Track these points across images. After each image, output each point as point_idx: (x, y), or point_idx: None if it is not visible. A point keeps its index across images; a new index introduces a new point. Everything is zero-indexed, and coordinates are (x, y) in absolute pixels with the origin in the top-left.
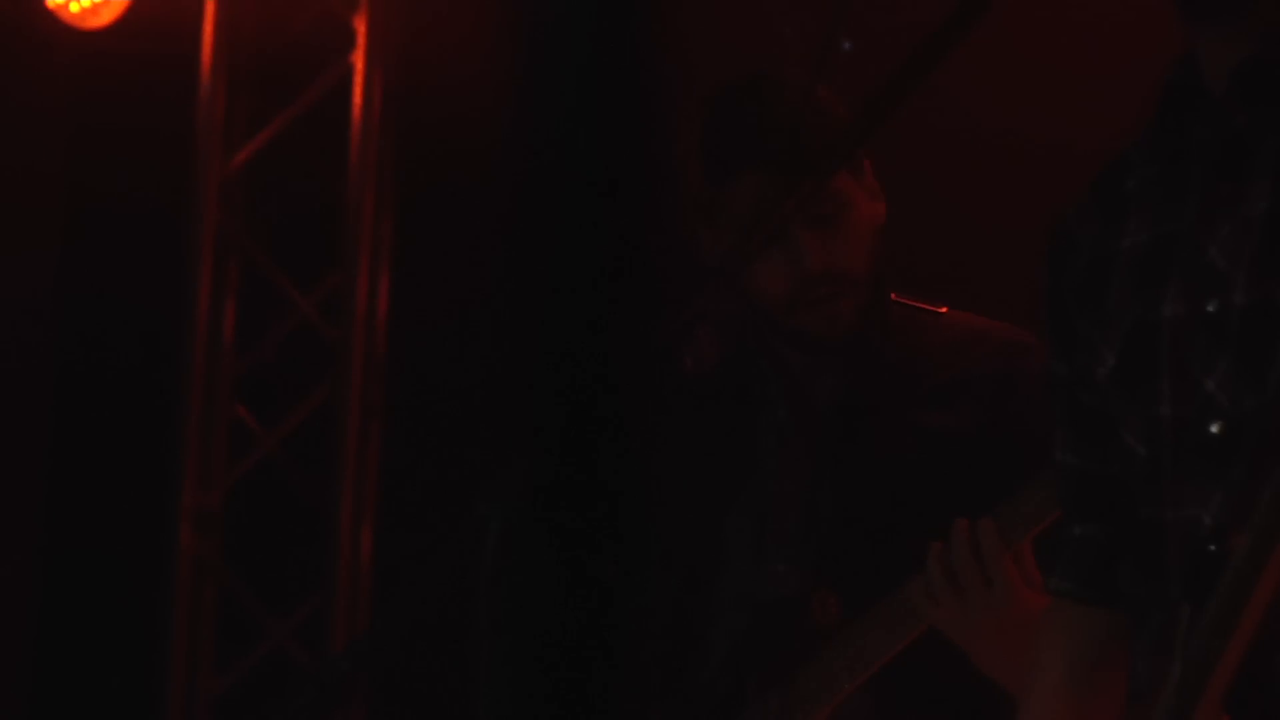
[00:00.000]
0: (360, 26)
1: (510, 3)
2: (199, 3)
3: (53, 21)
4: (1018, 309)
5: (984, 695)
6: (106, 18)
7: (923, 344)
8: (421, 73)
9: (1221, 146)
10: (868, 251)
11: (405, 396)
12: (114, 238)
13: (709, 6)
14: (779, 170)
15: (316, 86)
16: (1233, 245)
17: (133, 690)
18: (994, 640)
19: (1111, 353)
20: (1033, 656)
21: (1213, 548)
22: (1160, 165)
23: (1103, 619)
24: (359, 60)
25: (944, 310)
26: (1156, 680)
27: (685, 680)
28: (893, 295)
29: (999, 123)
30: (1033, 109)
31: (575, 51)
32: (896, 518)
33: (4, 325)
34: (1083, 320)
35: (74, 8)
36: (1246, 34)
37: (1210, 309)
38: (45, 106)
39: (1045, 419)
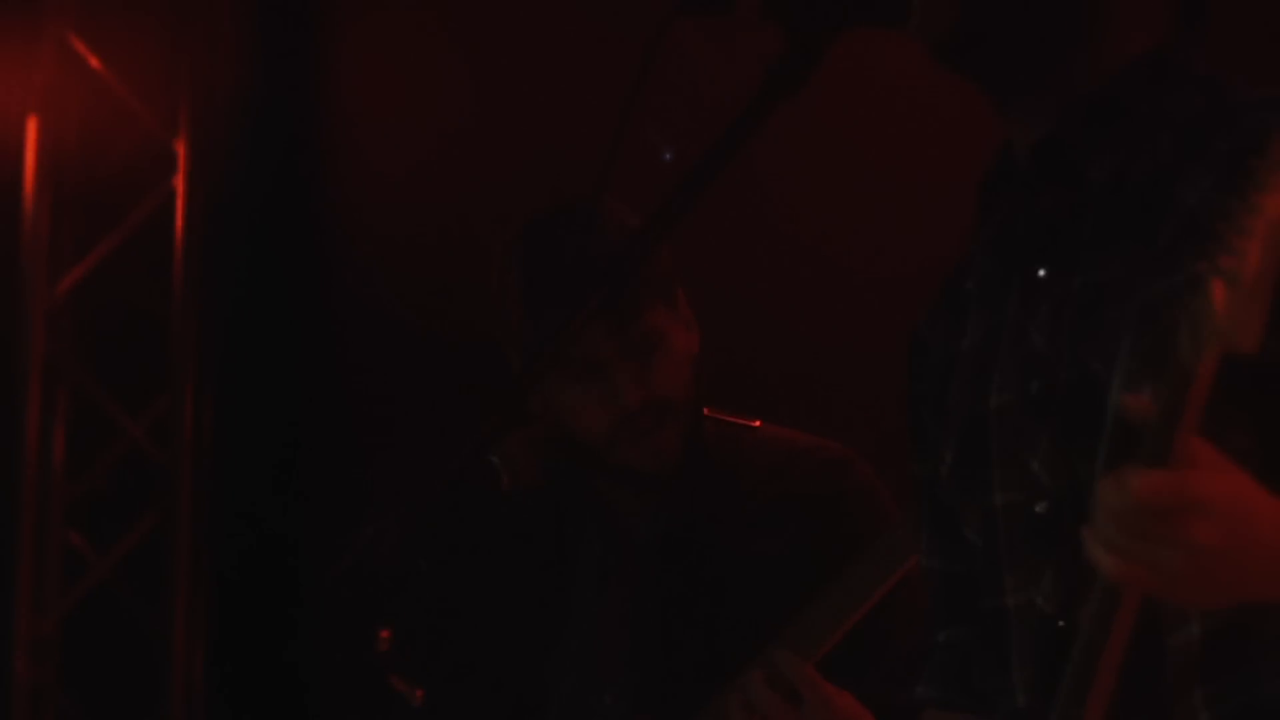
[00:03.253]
0: (181, 149)
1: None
2: (20, 128)
3: None
4: (838, 419)
5: None
6: None
7: (741, 466)
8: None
9: (1032, 229)
10: (685, 379)
11: (234, 517)
12: None
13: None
14: (597, 305)
15: (139, 210)
16: (1051, 324)
17: None
18: None
19: (950, 450)
20: None
21: (1060, 624)
22: (993, 254)
23: None
24: (180, 183)
25: (758, 425)
26: None
27: None
28: (706, 411)
29: (823, 232)
30: (857, 218)
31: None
32: (722, 645)
33: None
34: (932, 423)
35: None
36: (1045, 114)
37: (1033, 390)
38: None
39: (865, 534)
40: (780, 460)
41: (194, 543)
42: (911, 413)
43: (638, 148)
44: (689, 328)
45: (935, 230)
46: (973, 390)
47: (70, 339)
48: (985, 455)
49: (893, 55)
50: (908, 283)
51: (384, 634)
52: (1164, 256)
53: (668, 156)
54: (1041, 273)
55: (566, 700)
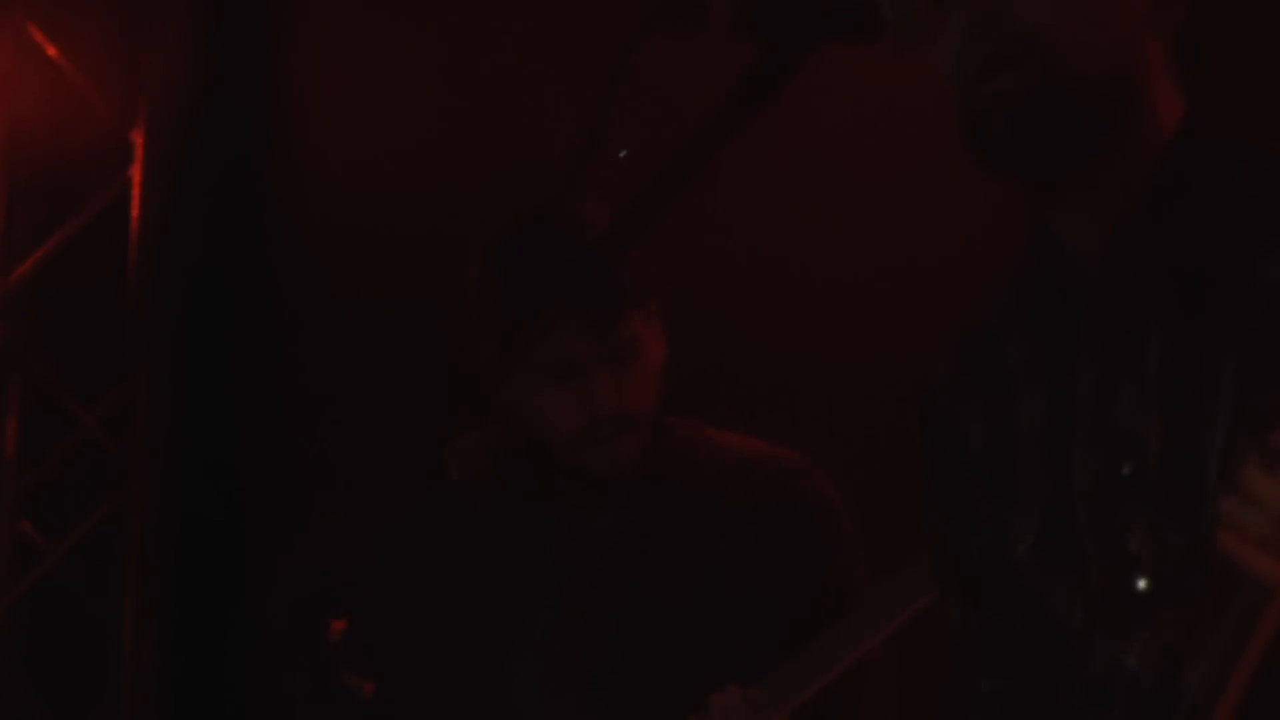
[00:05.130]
0: (138, 140)
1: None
2: None
3: None
4: (802, 427)
5: None
6: None
7: (697, 473)
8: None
9: (1108, 310)
10: (655, 391)
11: (186, 509)
12: None
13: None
14: (581, 307)
15: (96, 200)
16: (1139, 403)
17: None
18: None
19: (1030, 531)
20: None
21: (1151, 684)
22: (1037, 338)
23: None
24: (137, 174)
25: (714, 432)
26: None
27: None
28: (665, 418)
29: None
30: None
31: None
32: (681, 653)
33: None
34: (987, 501)
35: None
36: (1102, 199)
37: (1125, 471)
38: None
39: (821, 543)
40: (735, 468)
41: (145, 533)
42: (940, 483)
43: (611, 153)
44: (659, 339)
45: (895, 237)
46: (1050, 472)
47: (24, 329)
48: (1072, 537)
49: (857, 63)
50: (869, 289)
51: (336, 627)
52: (1252, 331)
53: (623, 154)
54: (1122, 352)
55: (523, 701)
